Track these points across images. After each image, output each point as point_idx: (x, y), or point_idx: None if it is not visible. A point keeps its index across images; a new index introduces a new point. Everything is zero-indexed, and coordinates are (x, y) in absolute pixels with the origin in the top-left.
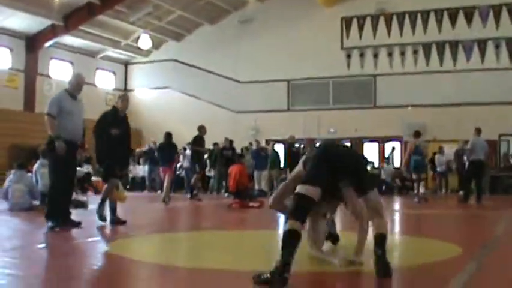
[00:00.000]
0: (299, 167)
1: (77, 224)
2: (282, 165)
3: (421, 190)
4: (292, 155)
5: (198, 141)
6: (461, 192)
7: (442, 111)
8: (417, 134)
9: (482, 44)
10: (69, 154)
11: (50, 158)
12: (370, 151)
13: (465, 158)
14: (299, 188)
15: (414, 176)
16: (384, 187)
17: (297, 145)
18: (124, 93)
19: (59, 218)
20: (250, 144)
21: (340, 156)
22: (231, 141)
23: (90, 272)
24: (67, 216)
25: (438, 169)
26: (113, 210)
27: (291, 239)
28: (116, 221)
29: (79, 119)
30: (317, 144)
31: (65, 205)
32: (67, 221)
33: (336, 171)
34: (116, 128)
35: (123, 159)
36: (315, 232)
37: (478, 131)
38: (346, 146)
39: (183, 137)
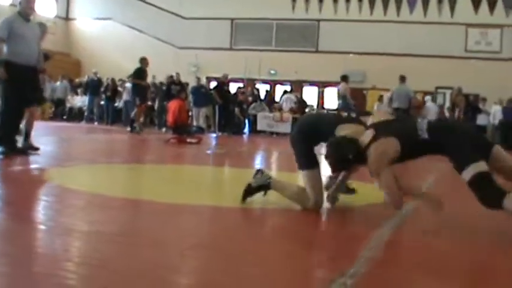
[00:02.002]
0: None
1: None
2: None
3: None
4: (223, 94)
5: (139, 74)
6: None
7: (382, 60)
8: (345, 78)
9: None
10: (23, 79)
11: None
12: (310, 95)
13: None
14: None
15: None
16: None
17: (241, 85)
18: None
19: (7, 145)
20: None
21: None
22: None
23: (24, 200)
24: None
25: None
26: (26, 136)
27: None
28: (29, 147)
29: (33, 43)
30: None
31: (13, 131)
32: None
33: None
34: None
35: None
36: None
37: (402, 79)
38: None
39: (125, 71)
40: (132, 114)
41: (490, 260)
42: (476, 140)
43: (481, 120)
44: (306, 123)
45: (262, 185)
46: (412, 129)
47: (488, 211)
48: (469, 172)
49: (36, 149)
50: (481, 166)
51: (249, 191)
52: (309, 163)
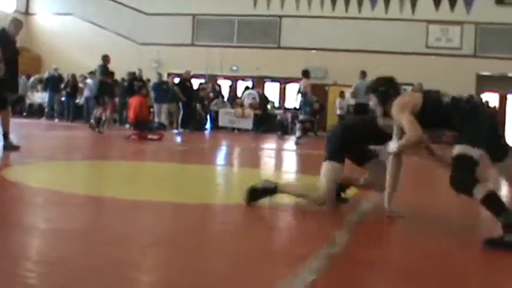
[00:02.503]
0: None
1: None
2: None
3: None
4: (185, 90)
5: (104, 71)
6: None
7: (344, 56)
8: (306, 74)
9: None
10: None
11: None
12: (272, 91)
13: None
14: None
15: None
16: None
17: (203, 81)
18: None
19: None
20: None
21: None
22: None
23: None
24: None
25: (338, 112)
26: (5, 136)
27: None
28: (9, 147)
29: None
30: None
31: None
32: None
33: None
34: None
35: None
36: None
37: (363, 74)
38: None
39: (86, 67)
40: (98, 113)
41: (444, 251)
42: (493, 136)
43: None
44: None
45: (268, 188)
46: (438, 96)
47: (456, 204)
48: (457, 149)
49: (17, 147)
50: (473, 151)
51: (254, 193)
52: (337, 157)
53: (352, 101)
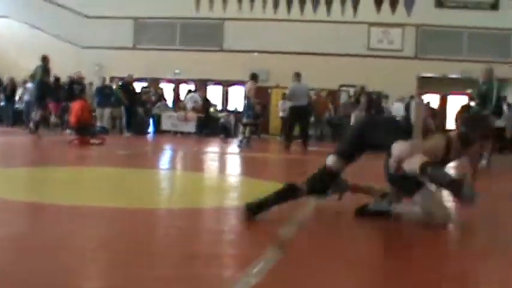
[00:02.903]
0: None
1: None
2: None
3: (246, 134)
4: (129, 94)
5: (45, 73)
6: (278, 138)
7: (286, 58)
8: (253, 77)
9: None
10: None
11: None
12: (214, 94)
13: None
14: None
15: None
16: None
17: (145, 84)
18: None
19: None
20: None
21: None
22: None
23: None
24: None
25: (281, 114)
26: None
27: None
28: None
29: None
30: None
31: None
32: None
33: None
34: None
35: None
36: None
37: (297, 76)
38: None
39: (25, 70)
40: (37, 116)
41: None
42: None
43: None
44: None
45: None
46: None
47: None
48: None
49: None
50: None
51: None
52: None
53: (289, 104)
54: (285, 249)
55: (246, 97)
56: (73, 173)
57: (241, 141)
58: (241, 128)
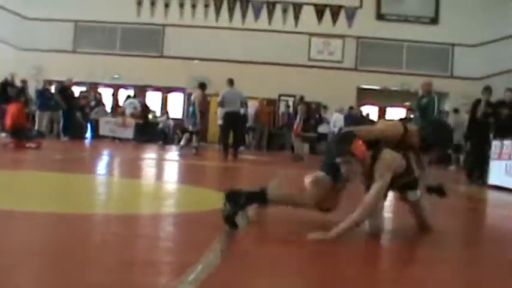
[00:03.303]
0: None
1: None
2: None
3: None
4: (67, 98)
5: None
6: (217, 146)
7: (227, 66)
8: (201, 86)
9: (270, 6)
10: None
11: None
12: (154, 100)
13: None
14: None
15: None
16: (163, 137)
17: (84, 89)
18: None
19: None
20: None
21: None
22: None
23: None
24: None
25: (219, 122)
26: None
27: None
28: None
29: None
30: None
31: None
32: None
33: None
34: None
35: None
36: None
37: (230, 82)
38: None
39: None
40: None
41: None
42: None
43: (322, 128)
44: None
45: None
46: None
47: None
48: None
49: None
50: None
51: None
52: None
53: (221, 111)
54: (222, 256)
55: (192, 104)
56: (7, 177)
57: (181, 149)
58: (185, 135)
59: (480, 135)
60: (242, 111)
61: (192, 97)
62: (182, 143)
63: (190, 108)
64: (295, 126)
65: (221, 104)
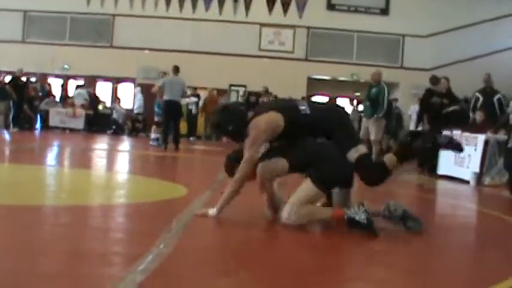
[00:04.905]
0: None
1: None
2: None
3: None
4: (18, 89)
5: None
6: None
7: (177, 56)
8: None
9: None
10: None
11: None
12: (104, 90)
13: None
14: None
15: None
16: (114, 127)
17: (33, 79)
18: None
19: None
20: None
21: None
22: None
23: None
24: None
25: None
26: None
27: None
28: None
29: None
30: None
31: None
32: None
33: None
34: None
35: None
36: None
37: (176, 69)
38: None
39: None
40: None
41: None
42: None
43: None
44: None
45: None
46: (294, 105)
47: None
48: (352, 154)
49: None
50: (360, 149)
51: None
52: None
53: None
54: (172, 246)
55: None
56: None
57: (157, 140)
58: (153, 127)
59: (434, 126)
60: (192, 100)
61: (154, 89)
62: (153, 134)
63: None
64: None
65: (160, 90)
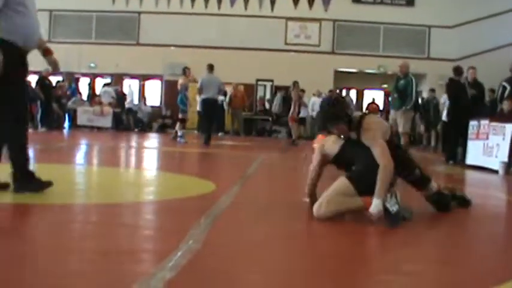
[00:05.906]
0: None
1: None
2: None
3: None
4: (44, 89)
5: None
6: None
7: (203, 53)
8: (183, 71)
9: None
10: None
11: None
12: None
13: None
14: None
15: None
16: (140, 125)
17: (60, 79)
18: None
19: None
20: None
21: None
22: None
23: None
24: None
25: (198, 108)
26: None
27: None
28: None
29: (35, 14)
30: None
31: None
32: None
33: None
34: None
35: None
36: None
37: (210, 68)
38: None
39: None
40: None
41: (303, 247)
42: None
43: (301, 112)
44: None
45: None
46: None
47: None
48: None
49: None
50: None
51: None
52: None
53: (198, 98)
54: (201, 242)
55: (179, 91)
56: None
57: (180, 137)
58: (177, 125)
59: (463, 116)
60: (220, 98)
61: (178, 85)
62: (179, 131)
63: (178, 96)
64: (290, 113)
65: (199, 90)
